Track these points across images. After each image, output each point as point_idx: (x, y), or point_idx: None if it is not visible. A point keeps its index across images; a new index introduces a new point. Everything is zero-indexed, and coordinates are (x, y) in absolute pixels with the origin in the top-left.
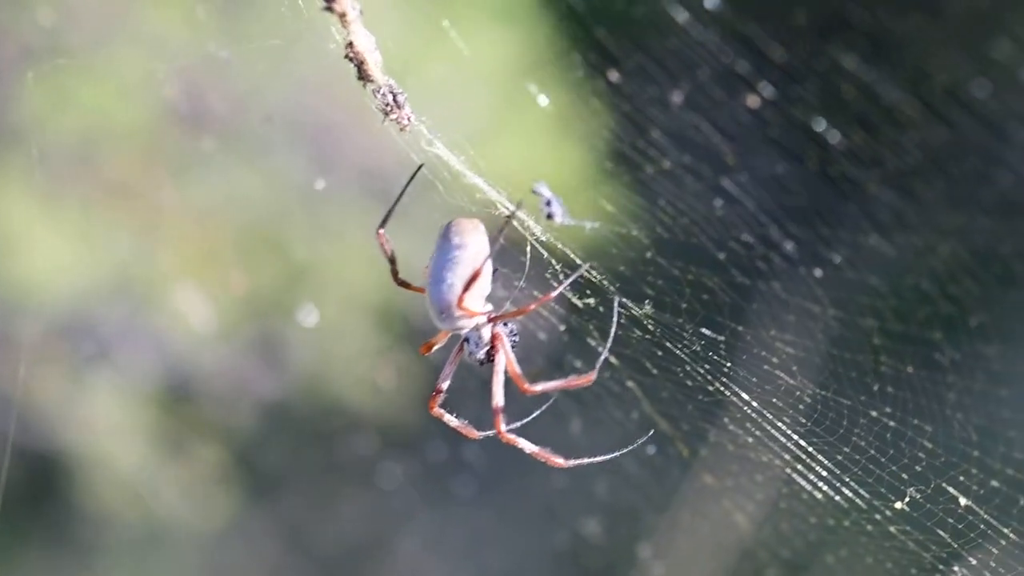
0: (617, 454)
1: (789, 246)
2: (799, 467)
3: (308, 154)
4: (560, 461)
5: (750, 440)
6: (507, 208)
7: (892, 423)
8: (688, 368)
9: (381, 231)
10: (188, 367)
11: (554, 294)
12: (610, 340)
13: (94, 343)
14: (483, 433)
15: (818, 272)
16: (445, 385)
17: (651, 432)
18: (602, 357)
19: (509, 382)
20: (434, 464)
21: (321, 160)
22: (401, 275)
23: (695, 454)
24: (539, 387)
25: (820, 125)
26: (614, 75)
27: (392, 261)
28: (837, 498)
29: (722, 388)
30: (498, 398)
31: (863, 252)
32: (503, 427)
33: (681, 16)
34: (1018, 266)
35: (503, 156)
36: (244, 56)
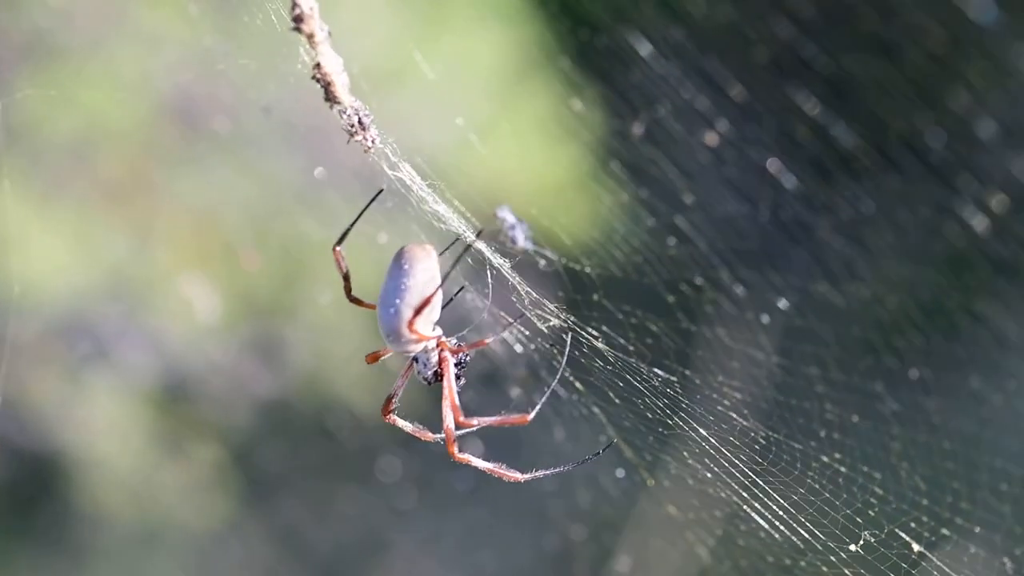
0: (569, 467)
1: (739, 290)
2: (756, 505)
3: (304, 154)
4: (516, 475)
5: (708, 476)
6: (469, 236)
7: (843, 468)
8: (648, 401)
9: (337, 248)
10: (185, 366)
11: (490, 340)
12: (555, 380)
13: (91, 343)
14: (436, 436)
15: (765, 318)
16: (397, 395)
17: (605, 448)
18: (539, 403)
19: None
20: (430, 463)
21: (317, 160)
22: (354, 292)
23: (660, 484)
24: (474, 421)
25: (775, 166)
26: (577, 105)
27: (346, 278)
28: (793, 538)
29: (680, 423)
30: (448, 420)
31: (811, 299)
32: (455, 450)
33: (644, 49)
34: (963, 320)
35: (491, 158)
36: (239, 56)
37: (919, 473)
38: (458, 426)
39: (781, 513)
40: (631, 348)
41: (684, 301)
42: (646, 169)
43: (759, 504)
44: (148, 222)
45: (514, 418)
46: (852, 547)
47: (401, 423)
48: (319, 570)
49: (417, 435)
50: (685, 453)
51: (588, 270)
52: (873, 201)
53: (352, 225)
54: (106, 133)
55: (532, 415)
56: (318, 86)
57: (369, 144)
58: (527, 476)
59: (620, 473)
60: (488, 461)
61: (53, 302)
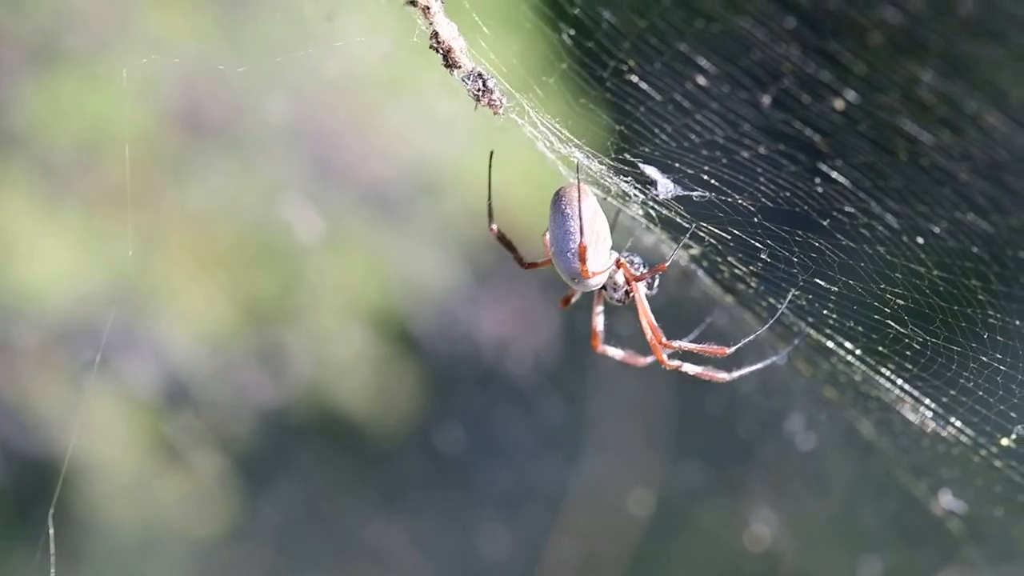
0: (771, 361)
1: (890, 218)
2: (906, 402)
3: (307, 162)
4: (724, 376)
5: (857, 378)
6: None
7: (1003, 368)
8: (790, 321)
9: (493, 227)
10: (186, 373)
11: (668, 263)
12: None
13: (93, 349)
14: (648, 359)
15: (920, 240)
16: (600, 327)
17: (797, 342)
18: (742, 342)
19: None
20: (430, 469)
21: (320, 168)
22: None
23: (815, 376)
24: (675, 343)
25: (907, 125)
26: (701, 80)
27: (514, 250)
28: (943, 433)
29: (824, 339)
30: (649, 332)
31: (962, 226)
32: (664, 356)
33: (759, 32)
34: None
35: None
36: (244, 63)
37: None
38: (662, 347)
39: (929, 413)
40: (795, 260)
41: (839, 225)
42: (780, 130)
43: (909, 406)
44: (152, 228)
45: (714, 348)
46: (1004, 441)
47: (612, 351)
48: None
49: (629, 361)
50: (833, 360)
51: (741, 202)
52: (1006, 151)
53: (490, 200)
54: (111, 138)
55: (732, 350)
56: (438, 54)
57: (497, 105)
58: (735, 374)
59: (782, 359)
60: (706, 346)
61: (56, 308)
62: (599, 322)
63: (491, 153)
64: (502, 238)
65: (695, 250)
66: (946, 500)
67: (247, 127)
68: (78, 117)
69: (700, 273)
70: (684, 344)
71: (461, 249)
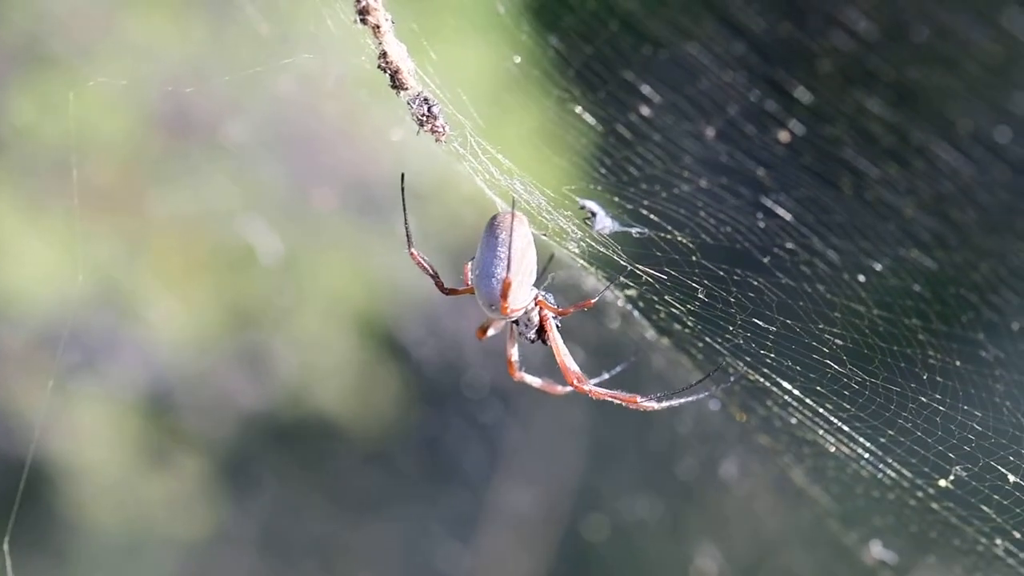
0: (687, 394)
1: (832, 254)
2: (843, 447)
3: (291, 166)
4: (652, 404)
5: (793, 421)
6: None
7: (943, 408)
8: (727, 360)
9: (413, 251)
10: (171, 377)
11: (594, 300)
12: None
13: (78, 352)
14: (565, 389)
15: (861, 278)
16: (515, 356)
17: (712, 371)
18: (673, 400)
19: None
20: (414, 473)
21: (304, 172)
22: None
23: (749, 421)
24: (586, 387)
25: (851, 157)
26: (645, 110)
27: (434, 276)
28: (879, 476)
29: (761, 378)
30: (568, 364)
31: (905, 263)
32: (584, 387)
33: (707, 60)
34: None
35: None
36: (229, 67)
37: (1022, 411)
38: (575, 386)
39: (867, 455)
40: (732, 300)
41: (780, 262)
42: (723, 163)
43: (846, 448)
44: (136, 231)
45: (624, 396)
46: (942, 482)
47: (529, 379)
48: None
49: (547, 390)
50: (769, 403)
51: (682, 238)
52: (952, 184)
53: (407, 224)
54: (95, 142)
55: (643, 401)
56: (385, 75)
57: (440, 131)
58: (663, 404)
59: (715, 405)
60: (617, 392)
61: (41, 311)
62: (514, 351)
63: (402, 176)
64: (420, 264)
65: (632, 291)
66: (876, 550)
67: (231, 131)
68: (62, 121)
69: (636, 314)
70: (597, 390)
71: (446, 254)
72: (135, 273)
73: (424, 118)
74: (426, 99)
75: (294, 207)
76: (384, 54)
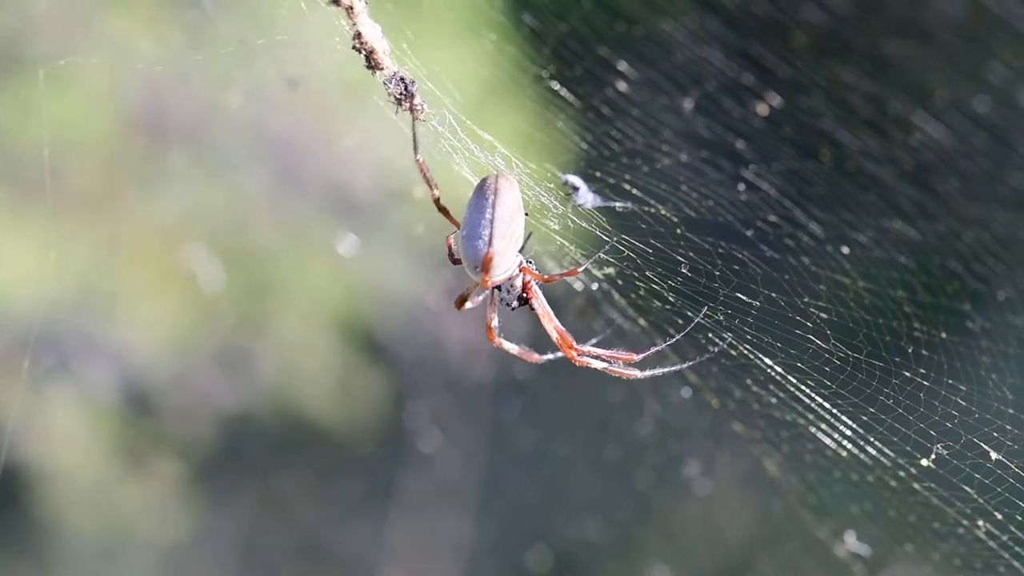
0: (680, 368)
1: (814, 226)
2: (823, 426)
3: (272, 168)
4: (636, 373)
5: (773, 400)
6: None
7: (926, 383)
8: (711, 335)
9: (419, 158)
10: (149, 380)
11: (581, 269)
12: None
13: (55, 354)
14: (544, 356)
15: (845, 249)
16: (495, 321)
17: (713, 351)
18: (654, 349)
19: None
20: (395, 475)
21: (285, 174)
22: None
23: (724, 407)
24: (585, 348)
25: (831, 128)
26: (622, 85)
27: (434, 187)
28: (861, 456)
29: (746, 352)
30: (555, 336)
31: (888, 234)
32: (575, 354)
33: (681, 36)
34: None
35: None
36: (209, 69)
37: (1007, 383)
38: (570, 350)
39: (848, 433)
40: (717, 274)
41: (763, 235)
42: (702, 136)
43: (826, 425)
44: (115, 234)
45: (622, 354)
46: (923, 461)
47: (507, 345)
48: None
49: (524, 356)
50: (749, 381)
51: (665, 212)
52: (932, 153)
53: (415, 128)
54: (74, 144)
55: (640, 357)
56: (360, 55)
57: (419, 111)
58: (647, 373)
59: (687, 392)
60: (613, 351)
61: (18, 313)
62: (495, 318)
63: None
64: (423, 171)
65: (611, 268)
66: (851, 542)
67: (211, 132)
68: (42, 123)
69: (615, 295)
70: (592, 350)
71: (428, 257)
72: (112, 275)
73: (402, 97)
74: (402, 78)
75: (273, 208)
76: (358, 35)
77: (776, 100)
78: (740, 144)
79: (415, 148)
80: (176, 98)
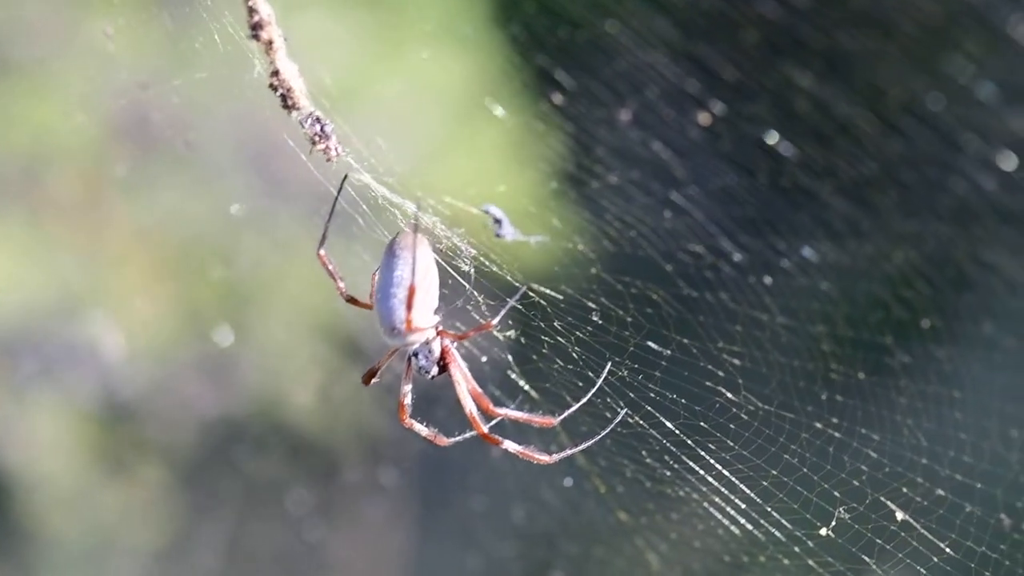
0: (593, 441)
1: (738, 256)
2: (717, 499)
3: (255, 174)
4: (545, 458)
5: (668, 474)
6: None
7: (838, 434)
8: (608, 400)
9: (321, 252)
10: (131, 386)
11: (495, 321)
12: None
13: (36, 361)
14: (452, 439)
15: (768, 280)
16: (408, 397)
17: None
18: (570, 409)
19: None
20: (379, 480)
21: (268, 180)
22: (348, 292)
23: (612, 490)
24: (502, 411)
25: (772, 138)
26: (558, 98)
27: (338, 280)
28: (756, 532)
29: (641, 421)
30: (469, 404)
31: (816, 259)
32: (484, 428)
33: (626, 39)
34: (971, 269)
35: (453, 176)
36: (191, 75)
37: (923, 429)
38: (486, 415)
39: (743, 506)
40: (629, 320)
41: (683, 269)
42: (636, 152)
43: (720, 499)
44: (97, 240)
45: (540, 419)
46: (823, 531)
47: (418, 427)
48: None
49: (432, 440)
50: (644, 452)
51: (581, 247)
52: (875, 163)
53: (328, 225)
54: (56, 150)
55: (558, 420)
56: (276, 94)
57: (332, 153)
58: (556, 457)
59: (568, 482)
60: (518, 444)
61: None
62: (407, 393)
63: (344, 176)
64: (325, 266)
65: (512, 332)
66: None
67: (194, 138)
68: (24, 128)
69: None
70: (510, 412)
71: None
72: (94, 281)
73: (317, 137)
74: (318, 119)
75: (256, 215)
76: (276, 72)
77: (719, 107)
78: (674, 162)
79: (321, 243)
80: (158, 104)
